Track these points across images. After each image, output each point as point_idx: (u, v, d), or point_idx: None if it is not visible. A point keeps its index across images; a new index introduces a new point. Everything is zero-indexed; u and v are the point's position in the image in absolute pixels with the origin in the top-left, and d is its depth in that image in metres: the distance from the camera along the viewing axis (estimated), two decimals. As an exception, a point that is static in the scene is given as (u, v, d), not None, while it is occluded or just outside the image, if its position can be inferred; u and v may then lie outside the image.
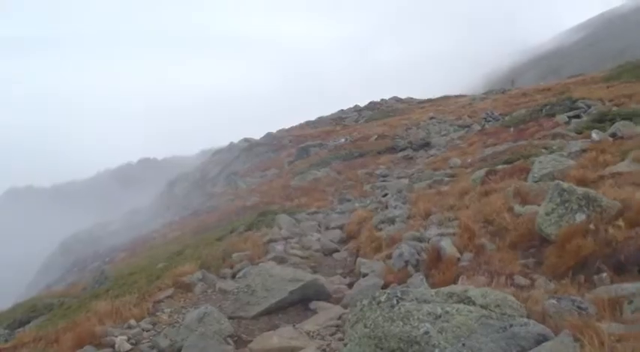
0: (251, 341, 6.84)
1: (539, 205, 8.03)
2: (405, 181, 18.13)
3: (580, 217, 6.94)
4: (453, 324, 4.41)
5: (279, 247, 11.62)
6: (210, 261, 10.79)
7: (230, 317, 7.62)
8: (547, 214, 7.28)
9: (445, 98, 51.90)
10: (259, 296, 8.04)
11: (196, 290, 9.32)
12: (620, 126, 14.28)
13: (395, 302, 4.72)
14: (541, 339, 4.32)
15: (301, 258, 11.00)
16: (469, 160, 17.85)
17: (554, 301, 5.16)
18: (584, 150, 12.50)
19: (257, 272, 8.67)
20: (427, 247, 8.35)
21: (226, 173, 44.23)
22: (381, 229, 11.18)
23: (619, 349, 4.00)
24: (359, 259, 9.69)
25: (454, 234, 8.63)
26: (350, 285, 8.71)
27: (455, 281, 6.70)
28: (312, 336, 6.66)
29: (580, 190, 7.29)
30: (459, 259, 7.57)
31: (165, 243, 24.12)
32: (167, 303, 8.78)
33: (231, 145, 57.38)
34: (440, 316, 4.49)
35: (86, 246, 48.78)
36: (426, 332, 4.34)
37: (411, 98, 57.96)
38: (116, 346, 7.08)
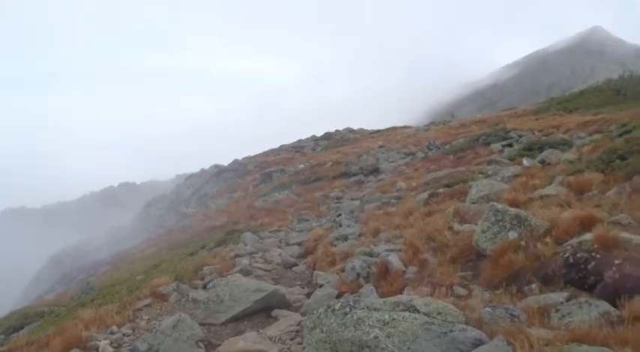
0: (220, 344, 6.89)
1: (476, 224, 8.18)
2: (357, 203, 18.18)
3: (512, 234, 7.10)
4: (400, 330, 4.46)
5: (244, 261, 11.59)
6: (184, 274, 10.80)
7: (201, 324, 7.67)
8: (483, 232, 7.43)
9: (392, 129, 52.41)
10: (227, 305, 8.06)
11: (171, 299, 9.32)
12: (548, 154, 14.66)
13: (348, 310, 4.76)
14: (477, 343, 4.41)
15: (264, 270, 11.01)
16: (414, 184, 18.01)
17: (489, 309, 5.27)
18: (516, 175, 12.75)
19: (225, 283, 8.66)
20: (376, 261, 8.42)
21: (198, 195, 43.94)
22: (335, 245, 11.20)
23: (547, 351, 4.11)
24: (316, 272, 9.71)
25: (400, 250, 8.72)
26: (308, 295, 8.72)
27: (401, 292, 6.77)
28: (274, 341, 6.72)
29: (512, 211, 7.47)
30: (404, 272, 7.65)
31: (143, 257, 23.82)
32: (145, 311, 8.82)
33: (202, 171, 57.07)
34: (388, 322, 4.54)
35: (73, 260, 48.07)
36: (376, 337, 4.39)
37: (363, 129, 58.34)
38: (100, 349, 7.15)
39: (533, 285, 5.96)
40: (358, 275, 8.20)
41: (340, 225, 13.80)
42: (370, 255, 9.09)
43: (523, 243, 6.81)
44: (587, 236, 6.30)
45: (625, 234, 6.06)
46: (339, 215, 16.42)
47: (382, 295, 6.73)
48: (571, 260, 5.90)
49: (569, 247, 6.22)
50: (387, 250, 8.89)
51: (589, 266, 5.67)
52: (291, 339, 6.72)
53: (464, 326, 4.64)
